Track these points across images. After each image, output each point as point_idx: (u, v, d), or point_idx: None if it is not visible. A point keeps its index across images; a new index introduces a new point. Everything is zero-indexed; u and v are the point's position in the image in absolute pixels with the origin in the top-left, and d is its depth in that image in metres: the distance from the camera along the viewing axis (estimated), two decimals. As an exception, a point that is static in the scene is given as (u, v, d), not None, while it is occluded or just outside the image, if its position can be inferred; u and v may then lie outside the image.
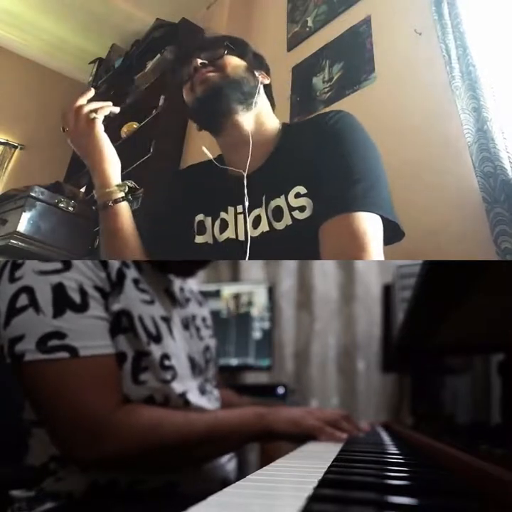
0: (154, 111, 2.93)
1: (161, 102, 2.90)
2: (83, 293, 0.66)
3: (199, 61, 0.94)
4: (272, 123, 0.99)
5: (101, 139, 0.91)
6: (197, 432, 0.66)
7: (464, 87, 1.37)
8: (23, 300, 0.64)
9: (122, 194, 0.90)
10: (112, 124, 3.43)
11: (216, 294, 1.94)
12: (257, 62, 1.01)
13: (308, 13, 2.23)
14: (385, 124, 1.57)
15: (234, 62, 0.96)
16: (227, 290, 1.95)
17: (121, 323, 0.69)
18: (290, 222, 0.87)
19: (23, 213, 2.51)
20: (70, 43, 3.83)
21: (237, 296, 1.93)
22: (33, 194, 2.58)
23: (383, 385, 1.85)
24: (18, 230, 2.47)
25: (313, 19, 2.19)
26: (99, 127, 0.91)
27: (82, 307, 0.65)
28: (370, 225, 0.76)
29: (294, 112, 2.02)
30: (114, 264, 0.71)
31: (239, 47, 1.00)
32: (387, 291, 1.63)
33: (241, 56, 0.98)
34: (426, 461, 0.56)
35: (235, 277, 2.12)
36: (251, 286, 1.95)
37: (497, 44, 1.42)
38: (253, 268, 2.10)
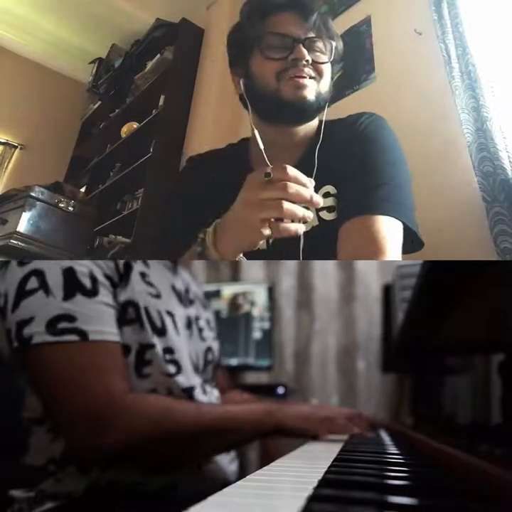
0: (154, 111, 2.93)
1: (161, 102, 2.90)
2: (93, 279, 0.66)
3: (306, 57, 0.84)
4: (315, 123, 0.95)
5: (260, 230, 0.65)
6: (207, 423, 0.66)
7: (463, 87, 1.37)
8: (32, 283, 0.64)
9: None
10: (112, 124, 3.43)
11: (216, 294, 1.94)
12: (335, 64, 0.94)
13: (308, 13, 2.23)
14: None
15: (328, 74, 0.89)
16: (227, 290, 1.95)
17: (127, 315, 0.69)
18: (317, 223, 0.85)
19: (23, 213, 2.51)
20: (70, 43, 3.83)
21: (237, 296, 1.93)
22: (33, 194, 2.58)
23: (383, 385, 1.85)
24: (18, 230, 2.47)
25: (313, 19, 2.19)
26: None
27: (92, 292, 0.66)
28: (390, 230, 0.76)
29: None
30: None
31: (336, 48, 0.91)
32: (387, 291, 1.63)
33: (332, 61, 0.91)
34: (426, 461, 0.56)
35: (235, 277, 2.12)
36: (251, 286, 1.95)
37: (496, 44, 1.42)
38: (253, 268, 2.10)
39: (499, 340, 0.48)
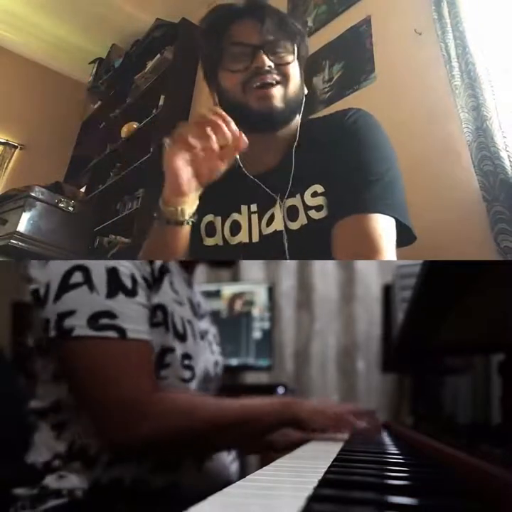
0: (154, 111, 2.93)
1: (161, 102, 2.90)
2: (134, 280, 0.69)
3: (267, 63, 0.84)
4: (296, 121, 0.94)
5: (176, 170, 0.74)
6: (229, 416, 0.68)
7: (463, 86, 1.37)
8: (77, 277, 0.66)
9: (184, 218, 0.80)
10: (112, 124, 3.43)
11: (216, 294, 1.94)
12: (304, 58, 0.93)
13: (309, 13, 2.23)
14: (385, 123, 1.56)
15: (296, 75, 0.88)
16: (227, 290, 1.95)
17: (155, 317, 0.71)
18: (305, 222, 0.86)
19: (23, 213, 2.52)
20: (70, 43, 3.83)
21: (237, 296, 1.93)
22: (33, 194, 2.58)
23: (383, 385, 1.85)
24: (18, 230, 2.47)
25: (314, 19, 2.19)
26: (180, 162, 0.74)
27: (133, 293, 0.68)
28: (385, 227, 0.76)
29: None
30: (157, 262, 0.75)
31: (302, 45, 0.90)
32: (387, 291, 1.63)
33: (299, 58, 0.90)
34: (426, 461, 0.56)
35: (235, 277, 2.12)
36: (251, 286, 1.95)
37: (496, 43, 1.42)
38: (253, 268, 2.10)
39: (499, 340, 0.48)
